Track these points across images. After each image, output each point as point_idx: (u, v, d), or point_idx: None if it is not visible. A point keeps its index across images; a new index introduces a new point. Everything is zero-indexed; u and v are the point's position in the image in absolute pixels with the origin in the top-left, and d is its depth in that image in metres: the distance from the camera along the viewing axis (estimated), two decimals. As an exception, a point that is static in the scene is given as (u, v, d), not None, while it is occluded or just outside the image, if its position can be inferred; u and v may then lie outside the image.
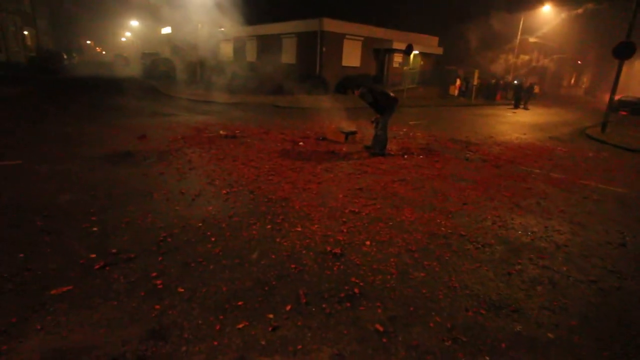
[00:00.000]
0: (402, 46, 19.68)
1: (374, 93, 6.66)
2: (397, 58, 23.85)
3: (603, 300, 2.78)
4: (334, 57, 20.94)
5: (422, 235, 3.63)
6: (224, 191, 4.45)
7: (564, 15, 29.29)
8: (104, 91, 14.90)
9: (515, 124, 13.89)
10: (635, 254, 3.58)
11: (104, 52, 67.15)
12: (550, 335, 2.36)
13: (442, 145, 8.32)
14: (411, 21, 24.78)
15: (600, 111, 22.00)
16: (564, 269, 3.20)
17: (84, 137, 6.79)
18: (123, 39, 59.46)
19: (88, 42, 70.65)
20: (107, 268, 2.71)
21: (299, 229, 3.59)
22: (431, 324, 2.37)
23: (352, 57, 22.05)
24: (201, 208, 3.93)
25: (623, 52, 11.57)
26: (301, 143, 7.37)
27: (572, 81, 44.28)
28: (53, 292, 2.40)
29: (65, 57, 25.62)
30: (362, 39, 22.00)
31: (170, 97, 14.43)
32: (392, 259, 3.15)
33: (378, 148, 6.85)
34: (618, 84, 12.22)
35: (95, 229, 3.31)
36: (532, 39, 31.10)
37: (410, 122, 11.84)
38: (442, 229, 3.83)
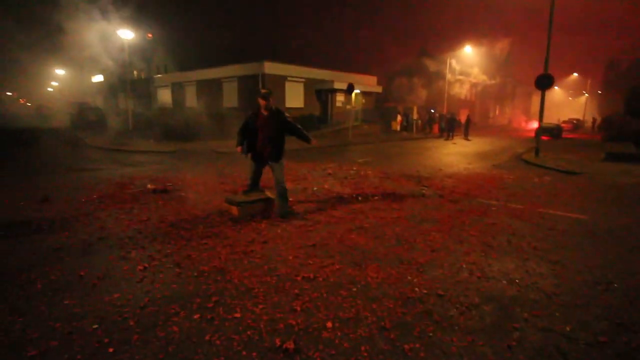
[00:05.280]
0: (343, 86, 20.10)
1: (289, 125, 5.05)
2: (340, 97, 24.37)
3: (627, 372, 2.21)
4: (277, 99, 20.78)
5: (395, 303, 2.92)
6: (140, 267, 3.45)
7: (484, 55, 32.54)
8: (11, 145, 13.00)
9: (458, 154, 14.26)
10: (628, 294, 3.15)
11: (28, 104, 62.36)
12: None
13: (395, 182, 7.94)
14: (350, 62, 25.82)
15: (525, 138, 23.97)
16: (567, 328, 2.63)
17: (-37, 206, 5.38)
18: (50, 89, 55.57)
19: (9, 93, 65.39)
20: None
21: (238, 315, 2.70)
22: None
23: (295, 98, 22.09)
24: (102, 298, 2.90)
25: (543, 83, 12.53)
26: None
27: (497, 112, 48.71)
28: None
29: (-26, 110, 22.77)
30: (303, 80, 22.25)
31: (95, 149, 12.95)
32: (363, 347, 2.37)
33: (285, 207, 5.09)
34: (543, 112, 13.14)
35: None
36: (459, 77, 33.90)
37: (359, 160, 11.55)
38: (416, 289, 3.16)
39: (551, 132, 24.76)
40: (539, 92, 13.14)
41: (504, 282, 3.33)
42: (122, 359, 2.22)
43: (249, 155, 5.16)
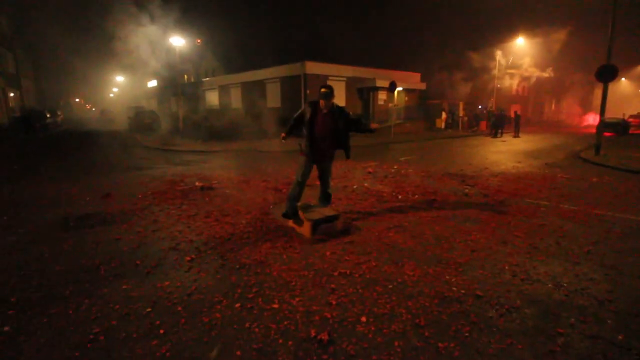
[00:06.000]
0: (385, 84, 19.82)
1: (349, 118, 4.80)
2: (382, 95, 24.07)
3: (687, 386, 2.04)
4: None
5: (430, 301, 2.90)
6: (188, 258, 3.71)
7: (539, 45, 30.48)
8: (79, 147, 14.37)
9: (507, 152, 13.55)
10: (696, 306, 2.87)
11: (93, 109, 68.17)
12: None
13: (437, 181, 7.75)
14: (392, 59, 25.42)
15: (585, 134, 22.15)
16: (619, 337, 2.47)
17: (40, 200, 6.07)
18: (111, 95, 60.43)
19: (77, 99, 71.87)
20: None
21: (276, 306, 2.83)
22: None
23: (336, 97, 22.11)
24: (155, 285, 3.17)
25: (606, 75, 11.52)
26: (284, 190, 6.72)
27: (553, 107, 45.35)
28: None
29: (48, 115, 25.33)
30: (345, 79, 22.24)
31: (149, 149, 13.92)
32: (396, 343, 2.40)
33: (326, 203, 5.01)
34: (605, 106, 12.08)
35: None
36: (510, 70, 32.02)
37: (401, 159, 11.38)
38: (454, 288, 3.11)
39: (615, 128, 22.66)
40: (602, 85, 12.09)
41: (550, 285, 3.18)
42: (171, 339, 2.43)
43: (302, 151, 4.72)
